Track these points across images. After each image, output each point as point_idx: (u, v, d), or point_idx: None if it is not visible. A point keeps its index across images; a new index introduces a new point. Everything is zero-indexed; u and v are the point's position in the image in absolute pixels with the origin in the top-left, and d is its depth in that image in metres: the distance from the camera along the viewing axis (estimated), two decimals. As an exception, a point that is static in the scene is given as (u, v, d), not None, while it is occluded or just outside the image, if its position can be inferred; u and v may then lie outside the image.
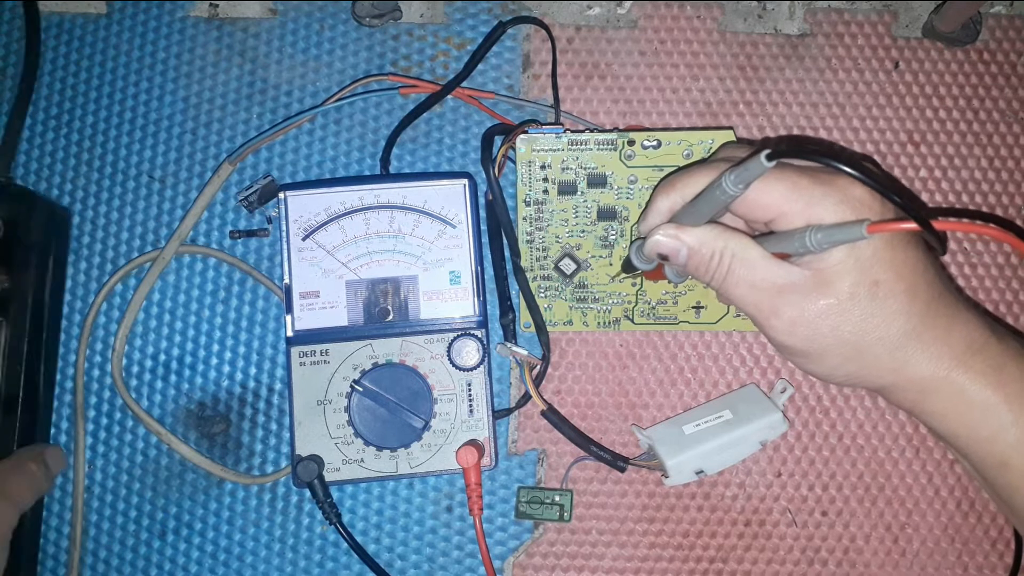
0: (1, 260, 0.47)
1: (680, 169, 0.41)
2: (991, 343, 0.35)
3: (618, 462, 0.48)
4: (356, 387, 0.47)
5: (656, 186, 0.40)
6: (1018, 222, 0.51)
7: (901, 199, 0.32)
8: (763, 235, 0.37)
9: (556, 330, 0.50)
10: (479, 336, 0.48)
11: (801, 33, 0.52)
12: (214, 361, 0.51)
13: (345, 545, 0.49)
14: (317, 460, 0.46)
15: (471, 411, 0.48)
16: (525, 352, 0.48)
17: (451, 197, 0.49)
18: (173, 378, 0.50)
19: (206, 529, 0.50)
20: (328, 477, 0.47)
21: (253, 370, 0.51)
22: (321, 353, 0.48)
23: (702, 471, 0.46)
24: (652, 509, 0.50)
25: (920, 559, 0.49)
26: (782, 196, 0.34)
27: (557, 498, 0.49)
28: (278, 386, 0.50)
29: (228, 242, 0.51)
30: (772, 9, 0.52)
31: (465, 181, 0.49)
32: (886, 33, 0.52)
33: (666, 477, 0.46)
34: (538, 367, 0.48)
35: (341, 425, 0.47)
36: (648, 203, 0.39)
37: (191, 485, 0.50)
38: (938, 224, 0.31)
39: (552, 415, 0.48)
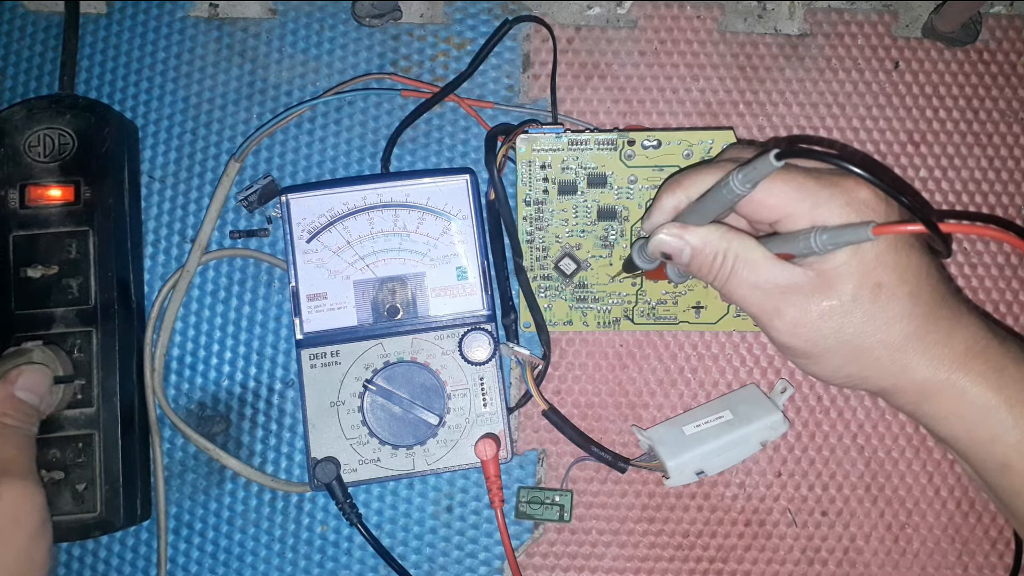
0: (79, 171, 0.47)
1: (686, 168, 0.41)
2: (992, 346, 0.35)
3: (619, 463, 0.48)
4: (369, 386, 0.47)
5: (662, 184, 0.40)
6: (1018, 222, 0.51)
7: (908, 200, 0.31)
8: (767, 236, 0.37)
9: (556, 330, 0.50)
10: (489, 330, 0.48)
11: (801, 33, 0.52)
12: (214, 361, 0.51)
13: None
14: (334, 461, 0.46)
15: (485, 404, 0.48)
16: (527, 352, 0.48)
17: (454, 193, 0.49)
18: (173, 378, 0.50)
19: (206, 529, 0.50)
20: (345, 478, 0.47)
21: (253, 370, 0.51)
22: (332, 354, 0.48)
23: (702, 472, 0.46)
24: (652, 509, 0.50)
25: (920, 559, 0.49)
26: (788, 197, 0.34)
27: (557, 498, 0.49)
28: (278, 386, 0.50)
29: (228, 242, 0.51)
30: (772, 9, 0.52)
31: (467, 176, 0.49)
32: (886, 33, 0.52)
33: (666, 478, 0.46)
34: (539, 367, 0.48)
35: (355, 425, 0.47)
36: (653, 201, 0.39)
37: (191, 485, 0.50)
38: (944, 226, 0.31)
39: (553, 415, 0.48)
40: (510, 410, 0.49)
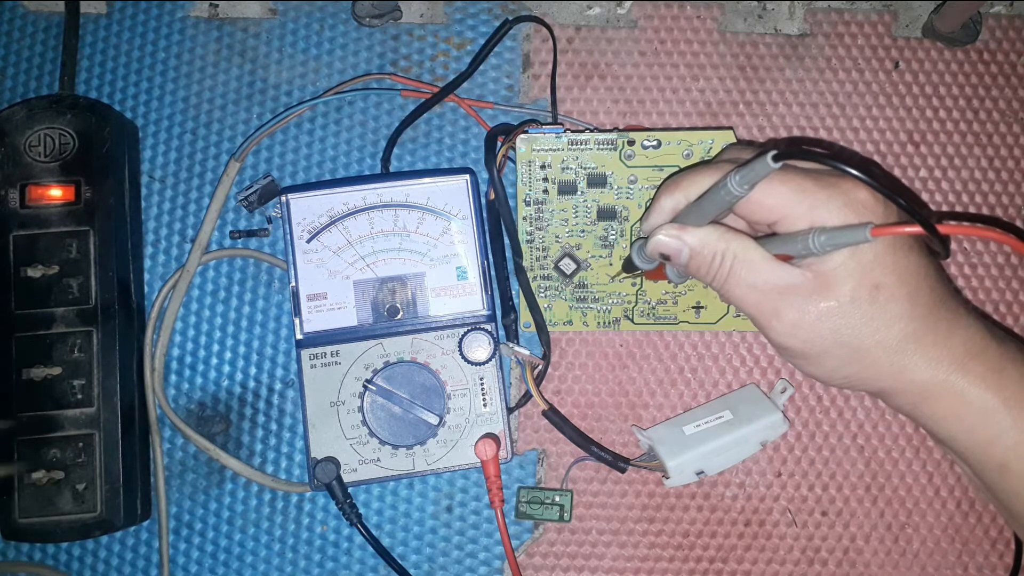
0: (80, 171, 0.47)
1: (685, 169, 0.41)
2: (991, 347, 0.35)
3: (619, 463, 0.48)
4: (369, 386, 0.47)
5: (660, 185, 0.40)
6: (1018, 222, 0.51)
7: (906, 202, 0.32)
8: (766, 236, 0.37)
9: (556, 330, 0.50)
10: (489, 330, 0.48)
11: (801, 33, 0.52)
12: (214, 361, 0.51)
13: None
14: (334, 461, 0.47)
15: (485, 404, 0.48)
16: (527, 352, 0.48)
17: (454, 193, 0.49)
18: (173, 378, 0.50)
19: (206, 529, 0.50)
20: (345, 478, 0.47)
21: (253, 370, 0.51)
22: (332, 355, 0.48)
23: (702, 472, 0.46)
24: (652, 509, 0.50)
25: (920, 559, 0.49)
26: (786, 198, 0.34)
27: (557, 498, 0.49)
28: (278, 386, 0.50)
29: (228, 242, 0.51)
30: (772, 9, 0.52)
31: (467, 176, 0.49)
32: (886, 33, 0.52)
33: (666, 478, 0.46)
34: (539, 367, 0.48)
35: (355, 425, 0.47)
36: (651, 202, 0.40)
37: (191, 485, 0.50)
38: (942, 227, 0.31)
39: (554, 415, 0.48)
40: (510, 410, 0.49)
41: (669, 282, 0.44)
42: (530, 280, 0.49)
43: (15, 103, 0.49)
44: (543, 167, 0.48)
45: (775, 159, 0.31)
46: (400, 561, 0.48)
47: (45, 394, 0.46)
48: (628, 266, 0.44)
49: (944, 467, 0.50)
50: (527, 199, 0.48)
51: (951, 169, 0.51)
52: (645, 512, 0.50)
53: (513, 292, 0.49)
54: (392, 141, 0.51)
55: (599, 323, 0.50)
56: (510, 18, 0.52)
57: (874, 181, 0.32)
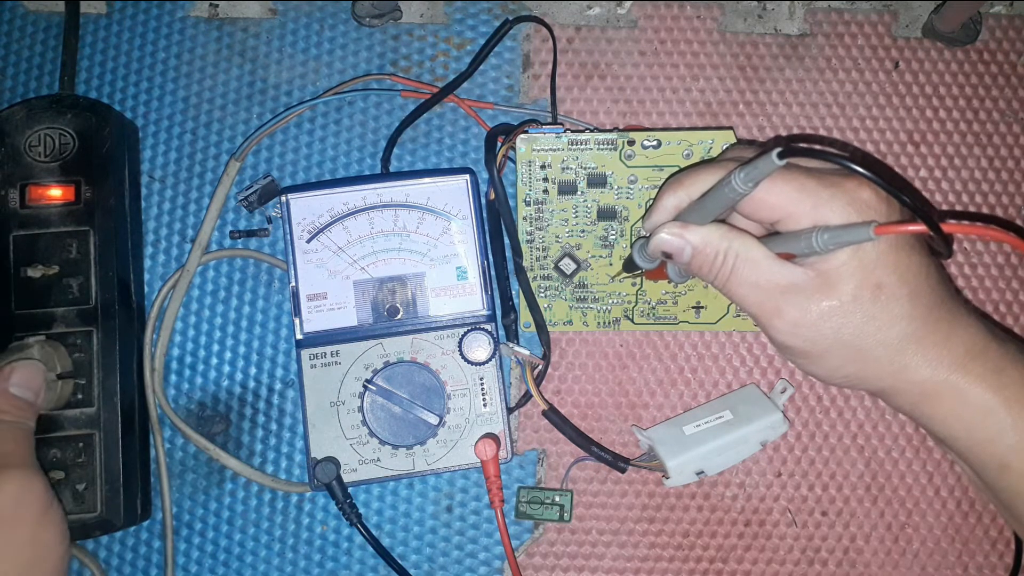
0: (80, 171, 0.47)
1: (688, 167, 0.41)
2: (991, 347, 0.35)
3: (619, 463, 0.48)
4: (369, 386, 0.47)
5: (663, 183, 0.40)
6: (1018, 222, 0.51)
7: (910, 200, 0.31)
8: (768, 235, 0.37)
9: (556, 330, 0.50)
10: (489, 330, 0.48)
11: (801, 33, 0.52)
12: (214, 361, 0.51)
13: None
14: (334, 461, 0.47)
15: (485, 404, 0.48)
16: (527, 352, 0.48)
17: (454, 193, 0.49)
18: (173, 378, 0.50)
19: (206, 529, 0.50)
20: (345, 478, 0.47)
21: (253, 370, 0.51)
22: (332, 354, 0.48)
23: (702, 472, 0.46)
24: (652, 509, 0.50)
25: (920, 559, 0.49)
26: (789, 197, 0.34)
27: (557, 498, 0.49)
28: (278, 386, 0.50)
29: (228, 242, 0.51)
30: (772, 9, 0.52)
31: (467, 176, 0.49)
32: (886, 33, 0.52)
33: (666, 478, 0.46)
34: (539, 367, 0.48)
35: (355, 425, 0.47)
36: (654, 200, 0.39)
37: (191, 485, 0.50)
38: (946, 226, 0.31)
39: (554, 415, 0.48)
40: (510, 410, 0.49)
41: (670, 282, 0.44)
42: (530, 280, 0.49)
43: (15, 103, 0.49)
44: (543, 167, 0.48)
45: (779, 156, 0.31)
46: (400, 561, 0.48)
47: None
48: (629, 265, 0.44)
49: (944, 467, 0.50)
50: (527, 199, 0.48)
51: (951, 169, 0.51)
52: (645, 512, 0.50)
53: (513, 292, 0.49)
54: (392, 141, 0.51)
55: (599, 323, 0.50)
56: (510, 18, 0.52)
57: (880, 179, 0.32)
